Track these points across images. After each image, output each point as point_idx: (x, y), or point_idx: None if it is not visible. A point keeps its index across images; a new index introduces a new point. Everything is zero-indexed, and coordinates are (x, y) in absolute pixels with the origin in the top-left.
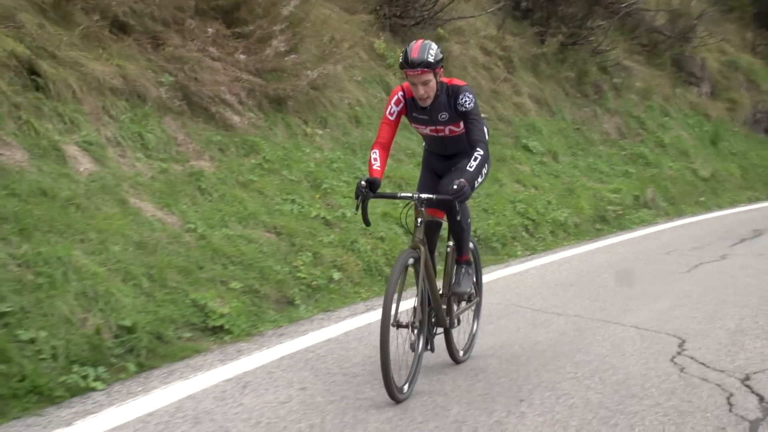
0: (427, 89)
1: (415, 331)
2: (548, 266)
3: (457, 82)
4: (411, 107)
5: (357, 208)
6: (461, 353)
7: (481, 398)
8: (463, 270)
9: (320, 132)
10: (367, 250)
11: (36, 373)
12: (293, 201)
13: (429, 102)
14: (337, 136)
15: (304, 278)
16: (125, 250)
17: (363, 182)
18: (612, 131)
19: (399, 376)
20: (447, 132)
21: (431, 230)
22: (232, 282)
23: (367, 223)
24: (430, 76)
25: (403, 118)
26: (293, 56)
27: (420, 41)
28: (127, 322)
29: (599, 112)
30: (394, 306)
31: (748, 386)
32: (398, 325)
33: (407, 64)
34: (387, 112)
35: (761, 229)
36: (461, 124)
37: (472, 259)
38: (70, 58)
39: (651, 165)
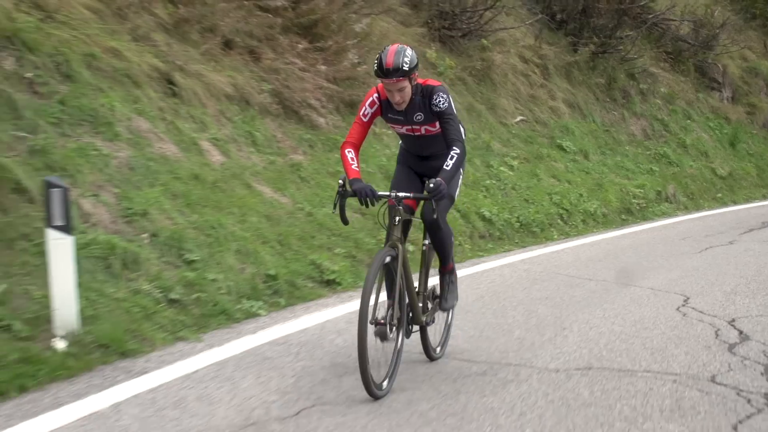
0: (402, 95)
1: (394, 329)
2: (580, 247)
3: (431, 82)
4: (386, 108)
5: (335, 207)
6: (437, 350)
7: (536, 327)
8: (447, 281)
9: (387, 132)
10: (474, 214)
11: (222, 301)
12: (493, 171)
13: (404, 107)
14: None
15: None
16: (259, 222)
17: (341, 180)
18: (638, 133)
19: (378, 373)
20: (423, 131)
21: (405, 228)
22: (336, 248)
23: (345, 221)
24: (406, 83)
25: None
26: (364, 66)
27: (394, 47)
28: (272, 272)
29: (626, 115)
30: (371, 303)
31: (732, 325)
32: (376, 323)
33: (382, 73)
34: (360, 113)
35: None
36: (437, 124)
37: (455, 268)
38: (195, 71)
39: (673, 164)
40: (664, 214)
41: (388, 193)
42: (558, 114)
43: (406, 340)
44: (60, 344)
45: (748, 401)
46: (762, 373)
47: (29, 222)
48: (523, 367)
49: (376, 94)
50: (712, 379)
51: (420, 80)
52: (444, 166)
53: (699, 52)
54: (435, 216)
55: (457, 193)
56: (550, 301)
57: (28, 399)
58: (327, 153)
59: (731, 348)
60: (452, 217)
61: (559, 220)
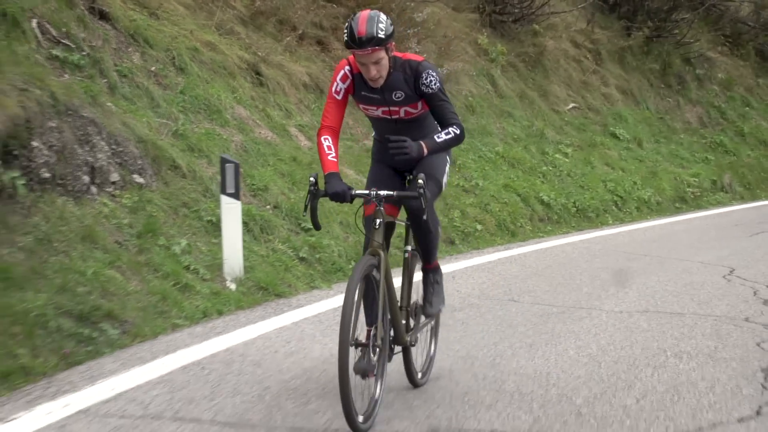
0: (379, 68)
1: (377, 351)
2: (635, 230)
3: (413, 57)
4: (359, 84)
5: (305, 210)
6: (419, 375)
7: (600, 286)
8: (431, 280)
9: None
10: (496, 210)
11: (338, 261)
12: (548, 157)
13: (381, 82)
14: (471, 124)
15: (458, 227)
16: None
17: (312, 178)
18: (694, 120)
19: (362, 403)
20: (402, 114)
21: (386, 233)
22: None
23: (317, 227)
24: (382, 54)
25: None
26: (425, 55)
27: (366, 13)
28: None
29: (682, 102)
30: (352, 322)
31: None
32: (356, 344)
33: (354, 43)
34: (332, 90)
35: None
36: (419, 105)
37: (440, 266)
38: (276, 62)
39: (729, 152)
40: (719, 204)
41: (367, 192)
42: (611, 101)
43: (387, 363)
44: (232, 286)
45: None
46: None
47: (186, 193)
48: (594, 310)
49: (347, 67)
50: (746, 320)
51: (398, 53)
52: (435, 137)
53: (760, 35)
54: (425, 217)
55: (445, 180)
56: (610, 270)
57: (228, 319)
58: None
59: (765, 302)
60: (513, 200)
61: (613, 207)
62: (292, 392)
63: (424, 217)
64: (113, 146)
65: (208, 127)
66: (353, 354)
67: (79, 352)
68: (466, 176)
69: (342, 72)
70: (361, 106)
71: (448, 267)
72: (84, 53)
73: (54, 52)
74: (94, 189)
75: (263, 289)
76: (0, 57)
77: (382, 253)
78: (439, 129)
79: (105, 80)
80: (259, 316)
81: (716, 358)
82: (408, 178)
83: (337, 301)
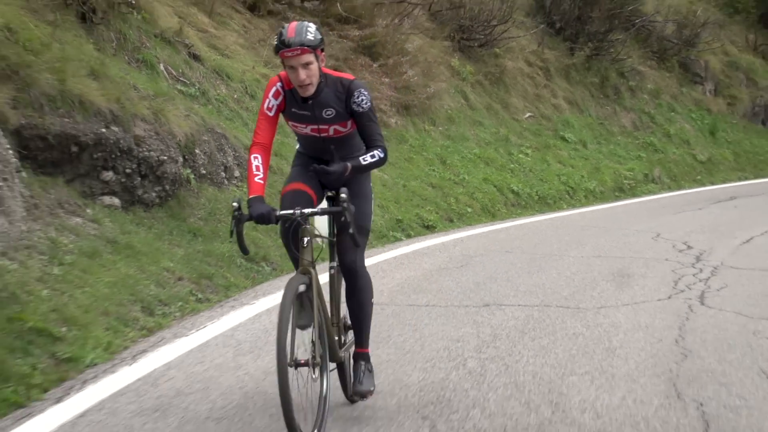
0: (308, 73)
1: (317, 369)
2: (585, 212)
3: (345, 75)
4: (290, 101)
5: (231, 234)
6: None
7: (567, 243)
8: (362, 368)
9: (432, 128)
10: (480, 197)
11: (382, 230)
12: (433, 169)
13: (311, 90)
14: (442, 130)
15: (454, 210)
16: (380, 190)
17: (236, 203)
18: (628, 125)
19: (305, 424)
20: (331, 132)
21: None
22: (427, 207)
23: (244, 251)
24: (311, 58)
25: None
26: (415, 78)
27: (295, 22)
28: (399, 218)
29: (618, 110)
30: (288, 342)
31: (684, 243)
32: (296, 364)
33: (283, 45)
34: (265, 107)
35: (736, 195)
36: (348, 124)
37: (370, 354)
38: None
39: (658, 151)
40: (651, 193)
41: (291, 212)
42: (560, 110)
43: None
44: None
45: (682, 265)
46: (694, 257)
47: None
48: (564, 256)
49: (279, 83)
50: (666, 259)
51: (330, 71)
52: (360, 158)
53: (683, 50)
54: (351, 231)
55: (371, 221)
56: (570, 236)
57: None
58: (399, 145)
59: (680, 251)
60: (491, 190)
61: (566, 195)
62: None
63: (350, 230)
64: (235, 152)
65: (277, 137)
66: (292, 374)
67: (257, 278)
68: (454, 172)
69: (274, 88)
70: (290, 123)
71: (454, 235)
72: (195, 87)
73: (177, 86)
74: (226, 181)
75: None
76: (158, 91)
77: (312, 271)
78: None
79: (210, 106)
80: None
81: (647, 276)
82: (329, 194)
83: (395, 252)
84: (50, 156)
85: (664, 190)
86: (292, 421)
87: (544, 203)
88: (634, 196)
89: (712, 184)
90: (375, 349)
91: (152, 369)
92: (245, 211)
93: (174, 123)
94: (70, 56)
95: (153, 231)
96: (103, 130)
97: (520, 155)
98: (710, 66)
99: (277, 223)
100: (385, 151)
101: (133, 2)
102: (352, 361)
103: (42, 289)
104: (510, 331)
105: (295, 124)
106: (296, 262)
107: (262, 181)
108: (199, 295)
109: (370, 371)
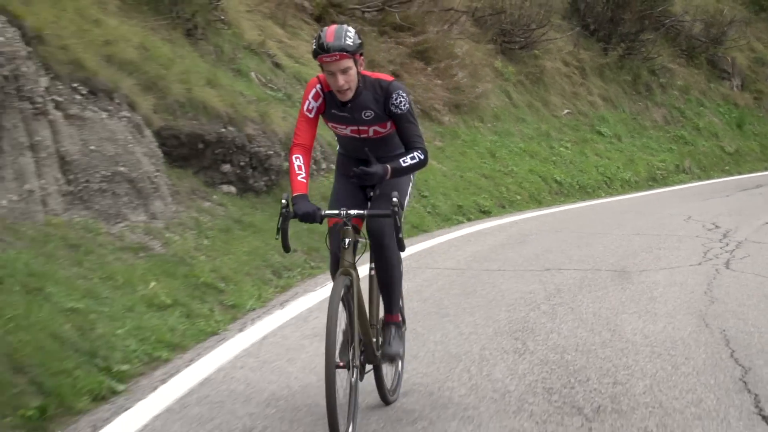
0: (347, 79)
1: (355, 371)
2: (622, 200)
3: (383, 76)
4: (330, 103)
5: (278, 233)
6: (392, 393)
7: (610, 224)
8: (393, 333)
9: (481, 125)
10: (527, 187)
11: (446, 214)
12: (485, 162)
13: (350, 95)
14: (490, 127)
15: (506, 197)
16: (440, 179)
17: (284, 200)
18: (659, 119)
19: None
20: (371, 133)
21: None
22: (482, 194)
23: (286, 249)
24: (350, 63)
25: None
26: (464, 80)
27: (334, 26)
28: (460, 203)
29: (649, 105)
30: (337, 346)
31: (713, 223)
32: (336, 366)
33: (322, 50)
34: (304, 108)
35: (761, 184)
36: (388, 125)
37: (402, 319)
38: None
39: (688, 143)
40: (682, 182)
41: (336, 212)
42: (595, 106)
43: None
44: None
45: (710, 240)
46: (722, 234)
47: None
48: (607, 234)
49: (318, 85)
50: (696, 236)
51: (368, 72)
52: (401, 160)
53: (710, 47)
54: (400, 235)
55: (406, 202)
56: (614, 218)
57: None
58: (453, 140)
59: (709, 230)
60: (537, 180)
61: (604, 185)
62: None
63: (400, 235)
64: (321, 147)
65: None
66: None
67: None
68: (503, 164)
69: (314, 90)
70: (330, 124)
71: (508, 219)
72: (281, 91)
73: (267, 92)
74: (315, 172)
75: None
76: (260, 96)
77: (353, 273)
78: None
79: (295, 108)
80: (450, 230)
81: (680, 248)
82: (370, 194)
83: (464, 231)
84: (182, 152)
85: (694, 179)
86: (335, 420)
87: (584, 192)
88: (666, 185)
89: (740, 173)
90: (466, 298)
91: (299, 312)
92: (291, 208)
93: (275, 123)
94: (190, 68)
95: (265, 213)
96: (222, 129)
97: (561, 149)
98: (737, 62)
99: (321, 223)
100: (425, 152)
101: (224, 18)
102: (382, 327)
103: (200, 255)
104: (570, 286)
105: (335, 126)
106: (338, 263)
107: (305, 180)
108: (312, 264)
109: (401, 337)
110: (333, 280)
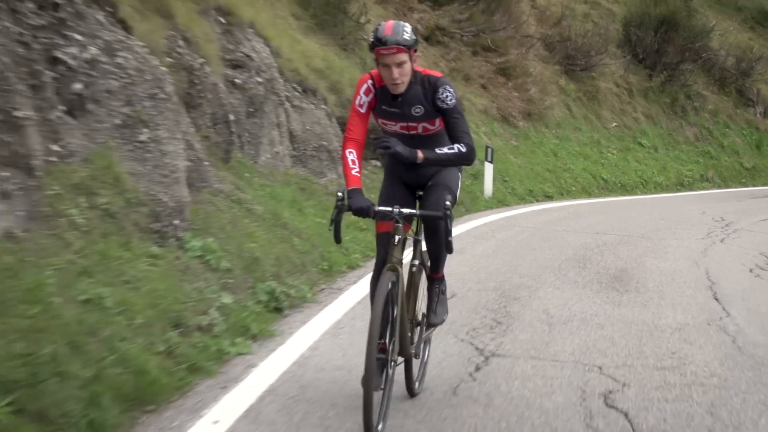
0: (401, 72)
1: (392, 365)
2: (655, 197)
3: (432, 72)
4: (381, 98)
5: (331, 223)
6: (417, 385)
7: (642, 210)
8: (436, 290)
9: (546, 130)
10: (581, 181)
11: (522, 194)
12: (549, 159)
13: (402, 89)
14: (554, 132)
15: (564, 187)
16: (516, 168)
17: (340, 193)
18: (690, 136)
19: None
20: (420, 130)
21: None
22: (547, 183)
23: (338, 240)
24: (405, 57)
25: None
26: (536, 94)
27: (393, 21)
28: (548, 190)
29: (683, 124)
30: (378, 338)
31: (721, 217)
32: (385, 361)
33: (380, 42)
34: (356, 104)
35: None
36: (437, 122)
37: (445, 277)
38: (468, 98)
39: (713, 158)
40: (704, 188)
41: (389, 209)
42: (638, 122)
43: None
44: (488, 193)
45: (715, 227)
46: (725, 224)
47: None
48: (638, 216)
49: (370, 81)
50: (705, 224)
51: (421, 69)
52: (436, 149)
53: (739, 79)
54: (450, 238)
55: (458, 192)
56: (646, 208)
57: (483, 212)
58: (525, 141)
59: (716, 221)
60: (588, 177)
61: (641, 185)
62: None
63: (449, 237)
64: None
65: None
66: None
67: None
68: (563, 162)
69: (365, 85)
70: (380, 120)
71: (566, 203)
72: None
73: None
74: None
75: (499, 202)
76: None
77: (400, 269)
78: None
79: None
80: (509, 209)
81: (691, 230)
82: (419, 194)
83: (536, 208)
84: None
85: (715, 187)
86: (371, 417)
87: (625, 189)
88: (691, 190)
89: (754, 185)
90: (545, 242)
91: None
92: (346, 202)
93: None
94: (355, 76)
95: None
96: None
97: (608, 154)
98: (761, 93)
99: (374, 218)
100: (468, 147)
101: (366, 38)
102: (427, 284)
103: None
104: (612, 242)
105: (385, 122)
106: (385, 259)
107: (358, 174)
108: None
109: (443, 292)
110: (372, 281)
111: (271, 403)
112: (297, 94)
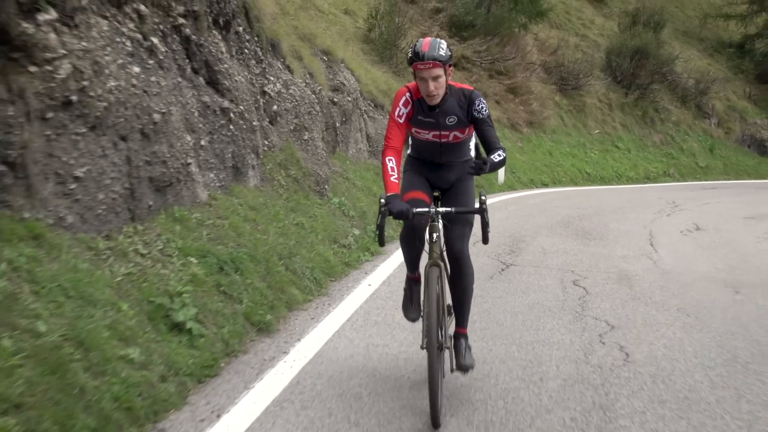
0: (437, 85)
1: (447, 352)
2: (626, 187)
3: (466, 86)
4: (418, 109)
5: (377, 228)
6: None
7: (612, 194)
8: (464, 345)
9: (544, 135)
10: (570, 174)
11: (527, 182)
12: (545, 157)
13: (437, 100)
14: (550, 137)
15: (557, 178)
16: (542, 161)
17: (384, 199)
18: (657, 141)
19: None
20: (451, 138)
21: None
22: (543, 175)
23: (383, 243)
24: (441, 72)
25: None
26: (537, 107)
27: (430, 38)
28: (532, 177)
29: (652, 132)
30: (438, 329)
31: (672, 201)
32: (440, 347)
33: (417, 57)
34: (395, 115)
35: (717, 187)
36: (466, 131)
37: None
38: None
39: (674, 158)
40: (666, 182)
41: (427, 209)
42: (616, 129)
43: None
44: (501, 181)
45: (665, 207)
46: (674, 205)
47: None
48: (609, 199)
49: (408, 93)
50: (659, 205)
51: (453, 83)
52: (492, 157)
53: (698, 96)
54: (488, 232)
55: (473, 216)
56: (618, 194)
57: (497, 194)
58: (528, 143)
59: (668, 203)
60: (575, 171)
61: (616, 178)
62: None
63: (488, 234)
64: None
65: None
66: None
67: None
68: (556, 160)
69: (404, 98)
70: (414, 129)
71: (558, 189)
72: None
73: None
74: None
75: (523, 183)
76: None
77: (441, 264)
78: (471, 151)
79: None
80: (516, 193)
81: (647, 208)
82: (435, 194)
83: (542, 191)
84: None
85: (674, 181)
86: (437, 399)
87: (603, 181)
88: (656, 182)
89: (706, 180)
90: (542, 213)
91: None
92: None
93: None
94: None
95: None
96: None
97: (591, 154)
98: (716, 107)
99: (412, 219)
100: (504, 151)
101: None
102: (452, 340)
103: None
104: (587, 214)
105: (419, 130)
106: (414, 262)
107: (397, 181)
108: None
109: (470, 348)
110: (405, 248)
111: (396, 277)
112: (371, 107)
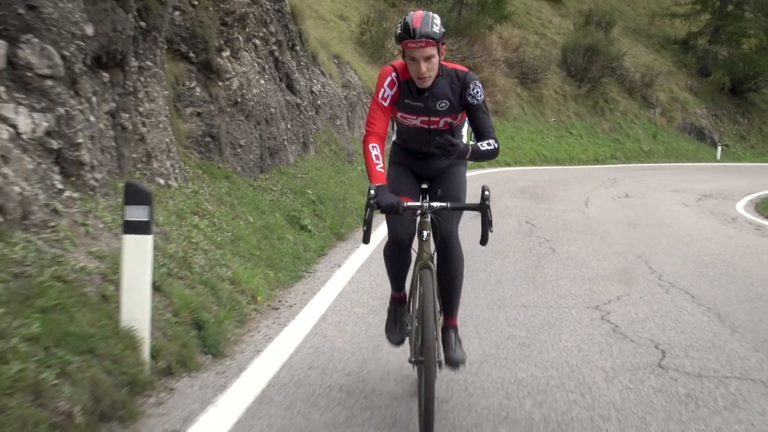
0: (429, 66)
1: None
2: (578, 168)
3: (459, 67)
4: (405, 92)
5: (365, 224)
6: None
7: (568, 173)
8: (453, 338)
9: (507, 123)
10: (529, 156)
11: (487, 165)
12: (509, 141)
13: (429, 83)
14: (512, 124)
15: (518, 159)
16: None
17: (373, 191)
18: (606, 128)
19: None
20: (441, 124)
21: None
22: (507, 157)
23: (366, 240)
24: (434, 51)
25: None
26: (501, 98)
27: (420, 11)
28: (498, 159)
29: (602, 120)
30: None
31: (614, 178)
32: (440, 363)
33: (408, 34)
34: (379, 97)
35: (656, 168)
36: (458, 116)
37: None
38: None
39: (621, 143)
40: (613, 163)
41: (419, 204)
42: (570, 118)
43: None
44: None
45: (607, 182)
46: (614, 181)
47: None
48: (562, 176)
49: (394, 73)
50: (603, 181)
51: (445, 62)
52: (479, 144)
53: (644, 88)
54: (491, 230)
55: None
56: (571, 172)
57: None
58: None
59: (610, 179)
60: (534, 154)
61: (569, 160)
62: None
63: (491, 230)
64: None
65: None
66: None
67: None
68: (518, 143)
69: (389, 78)
70: (399, 114)
71: (519, 168)
72: None
73: None
74: None
75: (479, 166)
76: None
77: (432, 265)
78: (464, 138)
79: None
80: None
81: (593, 181)
82: (423, 186)
83: None
84: None
85: (620, 163)
86: (431, 416)
87: (558, 162)
88: (604, 164)
89: (648, 163)
90: (508, 181)
91: None
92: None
93: None
94: None
95: None
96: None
97: (548, 139)
98: (660, 98)
99: (402, 214)
100: (497, 142)
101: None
102: (441, 332)
103: None
104: (540, 186)
105: (405, 116)
106: (399, 280)
107: (382, 170)
108: None
109: (460, 341)
110: (390, 264)
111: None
112: (369, 99)
